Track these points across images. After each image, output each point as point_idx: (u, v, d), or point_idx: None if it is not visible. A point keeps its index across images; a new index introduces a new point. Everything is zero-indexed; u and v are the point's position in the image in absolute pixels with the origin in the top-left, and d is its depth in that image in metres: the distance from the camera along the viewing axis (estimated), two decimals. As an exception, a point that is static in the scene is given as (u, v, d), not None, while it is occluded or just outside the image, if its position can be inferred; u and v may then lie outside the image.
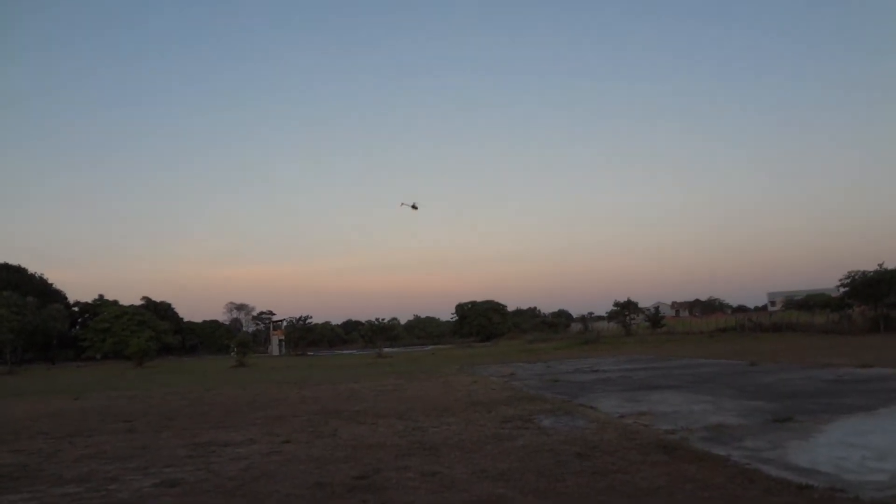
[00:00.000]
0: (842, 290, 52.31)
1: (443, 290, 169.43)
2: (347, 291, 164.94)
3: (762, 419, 11.69)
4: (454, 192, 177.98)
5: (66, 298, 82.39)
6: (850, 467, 7.79)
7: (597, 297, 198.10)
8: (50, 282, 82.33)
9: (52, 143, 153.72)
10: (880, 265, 48.73)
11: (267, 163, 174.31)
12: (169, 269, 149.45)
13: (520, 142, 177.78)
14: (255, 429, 13.50)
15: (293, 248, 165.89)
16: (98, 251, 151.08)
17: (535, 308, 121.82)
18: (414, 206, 57.91)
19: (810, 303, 60.12)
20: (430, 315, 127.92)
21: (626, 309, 66.78)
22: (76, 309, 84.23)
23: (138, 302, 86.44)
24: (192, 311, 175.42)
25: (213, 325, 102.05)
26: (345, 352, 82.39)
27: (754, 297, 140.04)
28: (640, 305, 70.22)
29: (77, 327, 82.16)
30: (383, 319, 77.49)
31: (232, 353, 61.96)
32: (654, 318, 66.25)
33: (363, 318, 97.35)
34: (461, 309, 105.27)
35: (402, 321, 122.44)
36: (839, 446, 9.06)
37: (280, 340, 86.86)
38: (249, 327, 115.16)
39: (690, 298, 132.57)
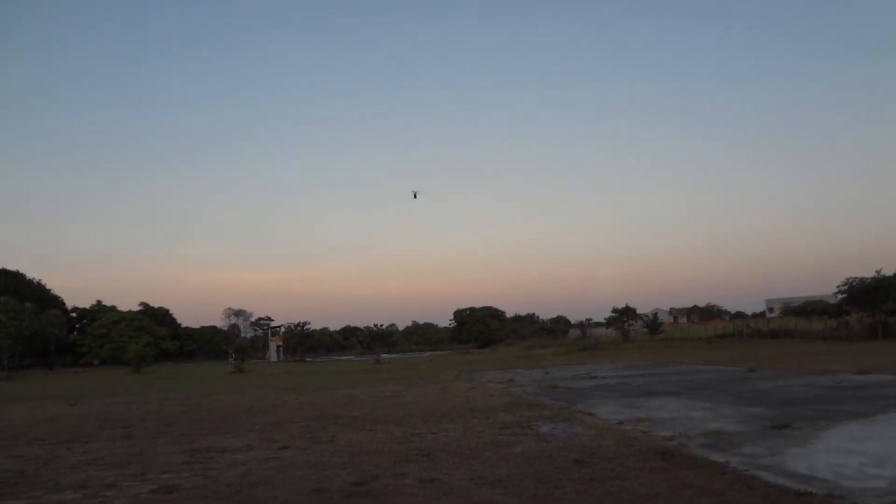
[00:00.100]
0: (840, 296, 52.41)
1: (441, 296, 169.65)
2: (346, 297, 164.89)
3: (760, 426, 11.69)
4: (453, 196, 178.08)
5: (63, 304, 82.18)
6: (849, 474, 7.79)
7: (595, 304, 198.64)
8: (48, 287, 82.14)
9: (50, 146, 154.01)
10: (878, 272, 48.90)
11: (266, 166, 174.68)
12: (167, 275, 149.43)
13: (519, 144, 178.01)
14: (252, 435, 13.47)
15: (291, 253, 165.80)
16: (96, 256, 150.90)
17: (534, 314, 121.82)
18: (414, 195, 60.20)
19: (808, 309, 60.26)
20: (429, 321, 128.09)
21: (624, 315, 66.86)
22: (74, 314, 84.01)
23: (136, 307, 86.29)
24: (190, 316, 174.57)
25: (212, 330, 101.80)
26: (343, 358, 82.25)
27: (752, 304, 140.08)
28: (639, 312, 70.38)
29: (75, 333, 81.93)
30: (381, 325, 77.39)
31: (230, 359, 61.80)
32: (653, 324, 66.32)
33: (361, 325, 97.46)
34: (459, 315, 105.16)
35: (401, 327, 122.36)
36: (837, 453, 9.06)
37: (278, 346, 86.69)
38: (247, 333, 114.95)
39: (689, 305, 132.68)
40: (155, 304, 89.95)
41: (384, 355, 63.74)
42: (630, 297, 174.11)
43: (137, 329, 75.13)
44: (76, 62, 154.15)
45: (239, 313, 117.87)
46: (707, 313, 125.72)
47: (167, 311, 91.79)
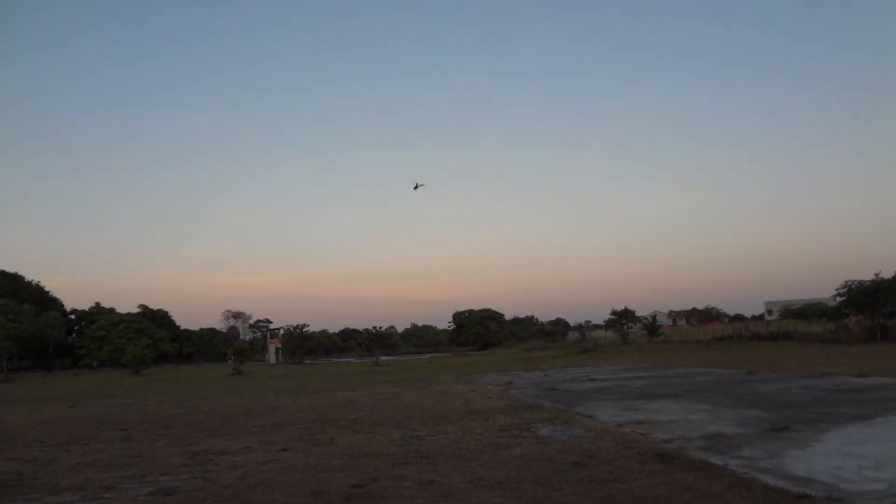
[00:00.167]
0: (838, 299, 52.38)
1: (440, 298, 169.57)
2: (344, 300, 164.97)
3: (759, 428, 11.69)
4: (453, 196, 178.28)
5: (62, 306, 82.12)
6: (848, 476, 7.80)
7: (594, 306, 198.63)
8: (47, 289, 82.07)
9: (49, 146, 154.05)
10: (877, 275, 48.82)
11: (266, 166, 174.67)
12: (166, 277, 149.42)
13: (519, 144, 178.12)
14: (251, 437, 13.47)
15: (291, 255, 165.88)
16: (95, 258, 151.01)
17: (533, 317, 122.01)
18: (415, 187, 60.99)
19: (807, 312, 60.21)
20: (428, 323, 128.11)
21: (623, 318, 66.86)
22: (73, 316, 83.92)
23: (135, 310, 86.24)
24: (188, 318, 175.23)
25: (210, 333, 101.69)
26: (342, 360, 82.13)
27: (751, 306, 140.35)
28: (638, 314, 70.39)
29: (73, 335, 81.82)
30: (380, 328, 77.54)
31: (229, 361, 61.68)
32: (652, 326, 66.34)
33: (360, 327, 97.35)
34: (458, 317, 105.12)
35: (400, 329, 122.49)
36: (836, 455, 9.07)
37: (277, 348, 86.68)
38: (246, 335, 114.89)
39: (687, 307, 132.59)
40: (154, 306, 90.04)
41: (383, 357, 63.74)
42: (629, 300, 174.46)
43: (136, 331, 75.07)
44: (76, 62, 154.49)
45: (238, 315, 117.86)
46: (706, 316, 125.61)
47: (166, 313, 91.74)
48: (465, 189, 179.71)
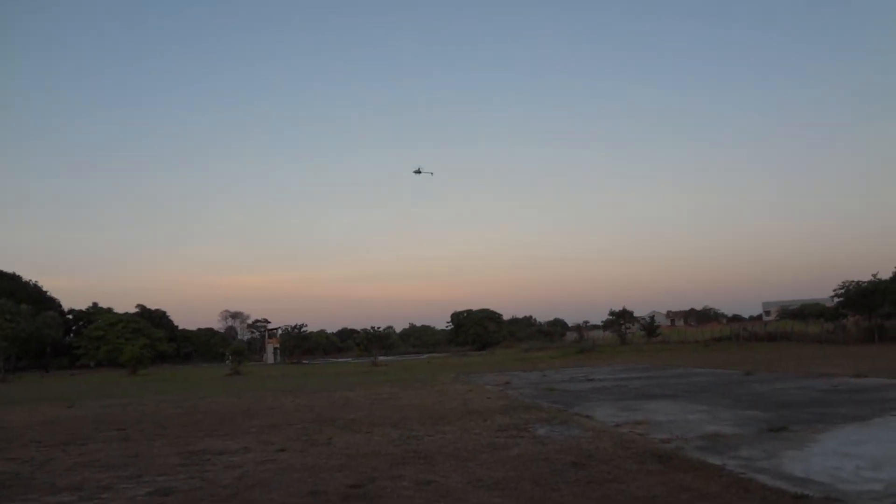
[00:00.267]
0: (836, 299, 52.50)
1: (438, 298, 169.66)
2: (343, 300, 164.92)
3: (757, 428, 11.70)
4: (453, 196, 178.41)
5: (60, 306, 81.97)
6: (845, 477, 7.81)
7: (592, 306, 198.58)
8: (44, 289, 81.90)
9: (49, 146, 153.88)
10: (874, 275, 48.93)
11: (265, 166, 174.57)
12: (164, 277, 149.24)
13: (519, 144, 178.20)
14: (249, 437, 13.45)
15: (289, 255, 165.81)
16: (93, 258, 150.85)
17: (531, 317, 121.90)
18: (417, 171, 62.65)
19: (805, 312, 60.31)
20: (426, 323, 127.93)
21: (621, 318, 66.85)
22: (70, 316, 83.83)
23: (133, 310, 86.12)
24: (186, 318, 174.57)
25: (208, 333, 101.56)
26: (340, 360, 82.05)
27: (749, 307, 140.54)
28: (636, 314, 70.33)
29: (71, 335, 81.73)
30: (378, 328, 77.55)
31: (227, 362, 61.61)
32: (650, 327, 66.36)
33: (358, 327, 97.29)
34: (457, 317, 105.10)
35: (398, 329, 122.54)
36: (834, 456, 9.08)
37: (275, 348, 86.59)
38: (244, 335, 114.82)
39: (686, 307, 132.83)
40: (152, 306, 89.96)
41: (381, 357, 63.71)
42: (627, 300, 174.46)
43: (134, 331, 74.94)
44: (76, 62, 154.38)
45: (236, 315, 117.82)
46: (704, 316, 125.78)
47: (164, 313, 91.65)
48: (465, 189, 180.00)
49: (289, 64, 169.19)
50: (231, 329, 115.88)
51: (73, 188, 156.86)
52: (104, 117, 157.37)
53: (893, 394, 16.55)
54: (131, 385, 39.75)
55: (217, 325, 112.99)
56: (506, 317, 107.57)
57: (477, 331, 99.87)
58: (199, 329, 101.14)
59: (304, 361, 78.35)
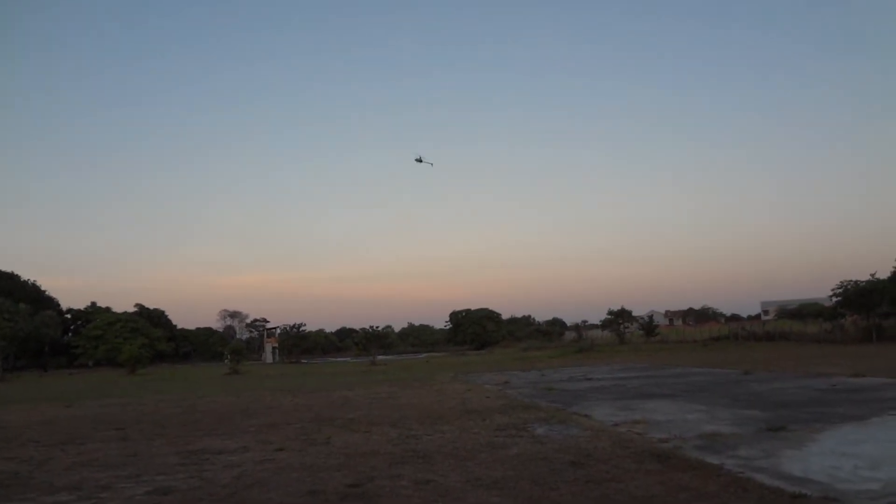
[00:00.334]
0: (834, 299, 52.57)
1: (437, 297, 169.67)
2: (341, 299, 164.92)
3: (756, 428, 11.71)
4: (453, 196, 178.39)
5: (58, 305, 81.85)
6: (844, 476, 7.82)
7: (591, 306, 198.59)
8: (43, 288, 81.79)
9: (48, 146, 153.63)
10: (872, 275, 49.01)
11: (264, 168, 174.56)
12: (163, 276, 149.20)
13: (519, 144, 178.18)
14: (248, 436, 13.45)
15: (290, 256, 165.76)
16: (92, 258, 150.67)
17: (530, 316, 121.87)
18: (419, 160, 63.28)
19: (803, 312, 60.48)
20: (424, 323, 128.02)
21: (619, 317, 66.90)
22: (69, 316, 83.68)
23: (131, 309, 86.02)
24: (185, 318, 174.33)
25: (207, 332, 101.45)
26: (339, 359, 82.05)
27: (748, 306, 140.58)
28: (634, 314, 70.36)
29: (69, 334, 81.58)
30: (377, 327, 77.59)
31: (225, 361, 61.60)
32: (648, 326, 66.43)
33: (357, 326, 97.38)
34: (455, 317, 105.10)
35: (396, 329, 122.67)
36: (832, 455, 9.09)
37: (274, 348, 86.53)
38: (243, 335, 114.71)
39: (684, 307, 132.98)
40: (150, 305, 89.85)
41: (380, 357, 63.71)
42: (625, 300, 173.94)
43: (132, 330, 74.89)
44: (76, 62, 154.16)
45: (234, 315, 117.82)
46: (702, 316, 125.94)
47: (162, 312, 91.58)
48: (465, 189, 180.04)
49: (289, 64, 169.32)
50: (230, 328, 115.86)
51: (72, 188, 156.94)
52: (104, 117, 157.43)
53: (891, 393, 16.58)
54: (130, 384, 39.72)
55: (216, 324, 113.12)
56: (505, 316, 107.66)
57: (476, 330, 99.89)
58: (198, 328, 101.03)
59: (303, 361, 78.33)
